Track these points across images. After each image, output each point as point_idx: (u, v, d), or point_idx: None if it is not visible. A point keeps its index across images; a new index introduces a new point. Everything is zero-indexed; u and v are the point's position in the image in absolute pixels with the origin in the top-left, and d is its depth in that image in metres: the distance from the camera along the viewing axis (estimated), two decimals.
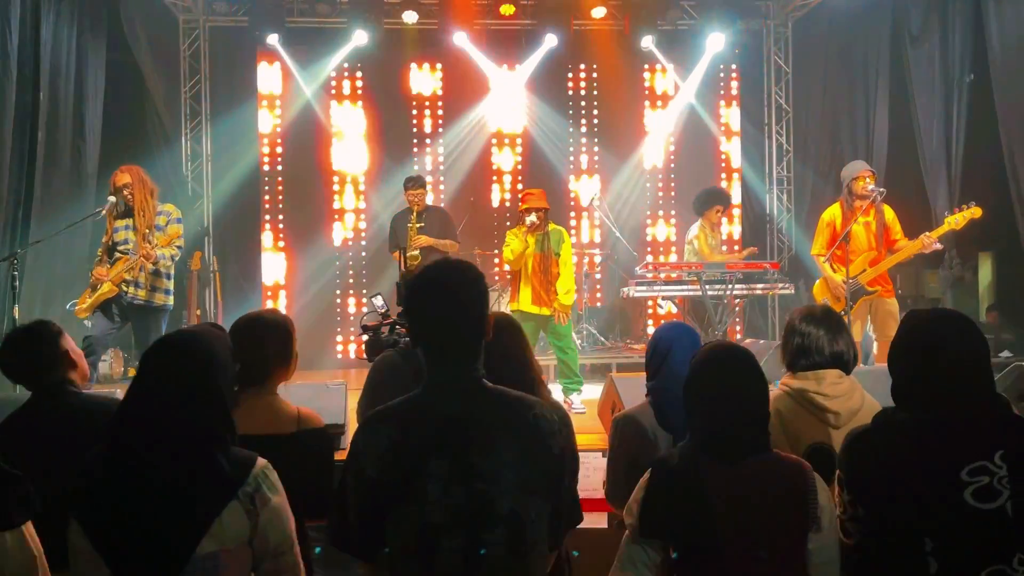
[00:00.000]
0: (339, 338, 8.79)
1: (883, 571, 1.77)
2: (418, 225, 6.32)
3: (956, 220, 5.26)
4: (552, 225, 5.78)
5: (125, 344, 6.90)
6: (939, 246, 5.46)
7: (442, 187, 8.97)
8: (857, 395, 2.34)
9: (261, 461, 1.77)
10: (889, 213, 5.50)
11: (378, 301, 3.42)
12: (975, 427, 1.73)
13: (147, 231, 4.81)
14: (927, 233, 5.30)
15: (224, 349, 1.85)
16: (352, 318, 8.80)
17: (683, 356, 2.42)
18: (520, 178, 9.11)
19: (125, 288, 4.77)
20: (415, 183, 6.44)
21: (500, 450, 1.60)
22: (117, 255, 4.85)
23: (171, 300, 4.98)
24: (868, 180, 5.44)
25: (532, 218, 5.65)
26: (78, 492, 1.67)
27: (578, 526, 1.78)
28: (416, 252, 6.19)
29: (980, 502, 1.66)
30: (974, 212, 5.22)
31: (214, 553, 1.65)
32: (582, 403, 5.48)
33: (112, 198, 4.95)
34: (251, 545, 1.71)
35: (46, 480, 2.07)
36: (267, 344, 2.34)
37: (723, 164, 9.38)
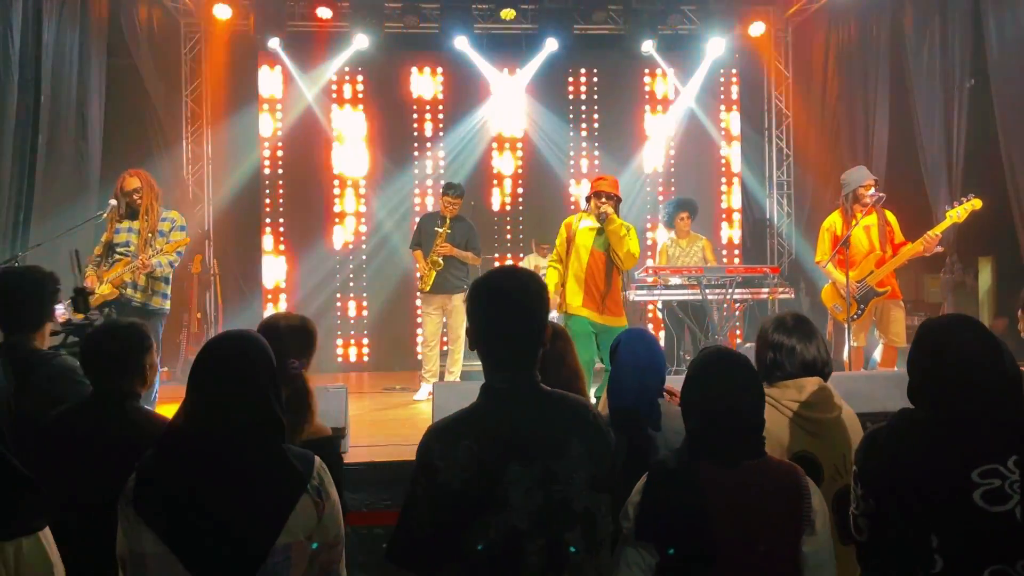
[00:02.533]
0: (339, 341, 8.78)
1: (891, 565, 1.80)
2: (446, 232, 6.29)
3: (957, 213, 5.23)
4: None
5: None
6: (940, 249, 5.46)
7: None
8: (834, 402, 2.37)
9: (317, 458, 1.79)
10: (889, 215, 5.51)
11: (59, 308, 3.27)
12: (990, 430, 1.74)
13: (150, 235, 4.86)
14: (928, 233, 5.27)
15: (268, 348, 1.81)
16: (352, 322, 8.81)
17: (628, 355, 2.46)
18: (520, 182, 9.12)
19: (123, 290, 4.80)
20: (455, 191, 6.36)
21: (570, 451, 1.67)
22: (116, 256, 4.88)
23: (168, 304, 4.99)
24: (873, 187, 5.46)
25: (607, 208, 4.72)
26: (146, 497, 1.62)
27: None
28: (439, 259, 6.20)
29: (989, 504, 1.68)
30: (974, 204, 5.20)
31: (287, 545, 1.65)
32: None
33: (113, 201, 4.98)
34: (308, 539, 1.72)
35: (82, 488, 2.03)
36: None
37: (723, 168, 9.38)
